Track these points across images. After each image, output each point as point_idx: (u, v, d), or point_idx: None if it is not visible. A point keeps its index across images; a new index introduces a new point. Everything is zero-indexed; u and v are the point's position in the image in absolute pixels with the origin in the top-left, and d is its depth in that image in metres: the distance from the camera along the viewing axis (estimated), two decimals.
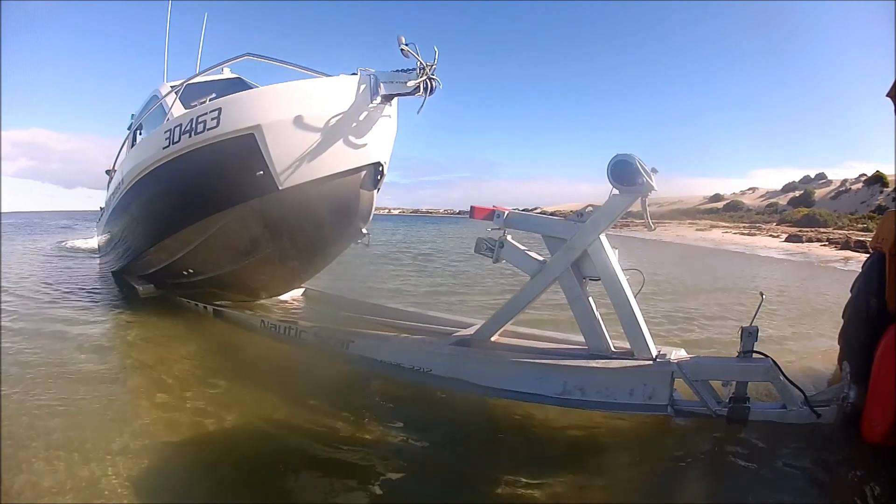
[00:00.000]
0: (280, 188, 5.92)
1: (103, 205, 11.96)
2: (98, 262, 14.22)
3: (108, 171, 11.17)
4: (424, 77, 5.23)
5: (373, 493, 3.37)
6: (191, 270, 8.01)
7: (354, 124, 5.69)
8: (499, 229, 4.88)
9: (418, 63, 5.19)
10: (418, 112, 5.55)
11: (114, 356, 5.96)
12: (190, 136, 6.16)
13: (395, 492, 3.40)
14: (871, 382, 3.63)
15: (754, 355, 4.00)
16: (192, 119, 6.13)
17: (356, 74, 5.65)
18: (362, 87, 5.60)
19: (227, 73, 8.35)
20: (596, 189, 4.45)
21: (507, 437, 4.19)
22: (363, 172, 6.05)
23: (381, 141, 5.99)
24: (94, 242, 21.90)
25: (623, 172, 4.14)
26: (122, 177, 8.48)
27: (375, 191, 6.29)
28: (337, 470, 3.63)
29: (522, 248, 4.86)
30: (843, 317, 4.87)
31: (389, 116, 5.95)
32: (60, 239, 24.78)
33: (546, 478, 3.48)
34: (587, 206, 4.58)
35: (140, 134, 8.64)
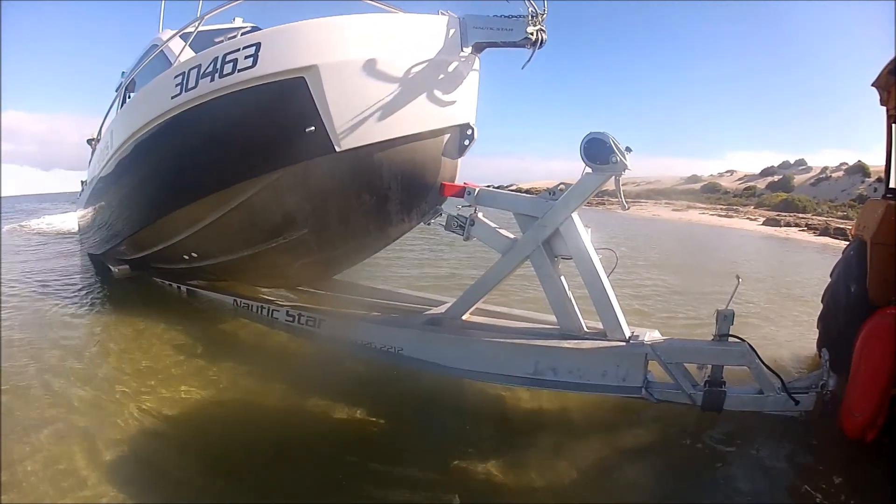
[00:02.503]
0: (337, 150, 4.54)
1: (86, 178, 10.13)
2: (78, 244, 12.65)
3: (89, 141, 9.61)
4: (539, 26, 4.23)
5: (338, 476, 3.28)
6: (194, 255, 6.60)
7: (441, 76, 4.54)
8: (469, 206, 4.65)
9: (530, 9, 4.19)
10: (523, 67, 4.48)
11: (85, 342, 5.69)
12: (212, 79, 4.67)
13: (362, 475, 3.31)
14: (852, 371, 3.44)
15: (730, 339, 3.79)
16: (216, 58, 4.67)
17: (444, 15, 4.53)
18: (451, 31, 4.45)
19: (238, 23, 6.80)
20: (572, 166, 4.21)
21: (478, 419, 4.10)
22: (447, 136, 4.85)
23: (469, 98, 4.84)
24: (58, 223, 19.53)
25: (596, 151, 3.96)
26: (110, 142, 6.84)
27: (460, 158, 5.12)
28: (305, 453, 3.54)
29: (493, 225, 4.64)
30: (822, 302, 4.77)
31: (477, 70, 4.82)
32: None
33: (515, 462, 3.43)
34: (559, 184, 4.34)
35: (132, 96, 6.91)
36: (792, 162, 50.28)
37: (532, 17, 4.19)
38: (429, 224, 5.23)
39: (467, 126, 4.89)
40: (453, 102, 4.68)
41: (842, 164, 43.70)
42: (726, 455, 3.69)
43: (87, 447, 3.50)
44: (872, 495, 3.20)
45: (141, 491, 3.15)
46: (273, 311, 5.78)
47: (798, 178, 45.52)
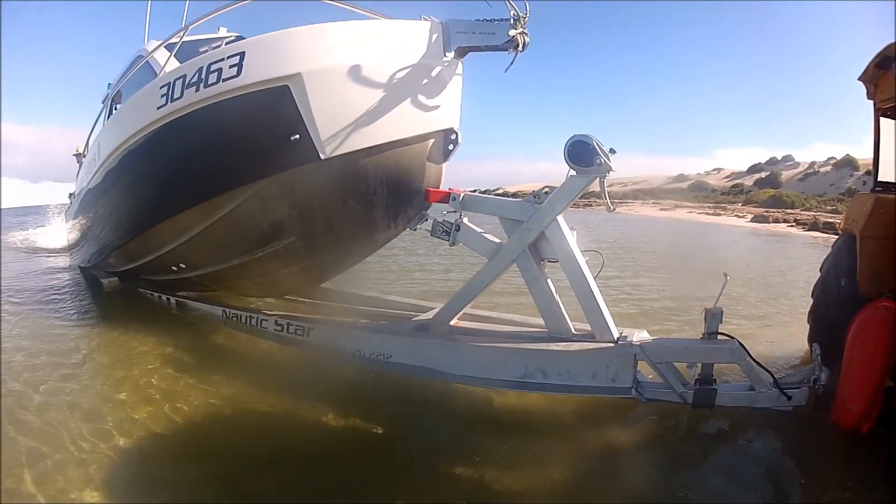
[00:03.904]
0: (323, 157, 4.47)
1: (74, 191, 9.98)
2: (68, 257, 12.12)
3: (76, 154, 9.63)
4: (522, 29, 4.18)
5: (331, 480, 3.26)
6: (183, 265, 6.47)
7: (425, 81, 4.48)
8: (454, 212, 4.61)
9: (512, 12, 4.15)
10: (506, 70, 4.45)
11: (75, 355, 5.53)
12: (197, 89, 4.61)
13: (355, 479, 3.29)
14: (844, 364, 3.39)
15: (719, 336, 3.74)
16: (200, 68, 4.61)
17: (426, 20, 4.47)
18: (434, 36, 4.40)
19: (223, 33, 6.72)
20: (560, 167, 4.16)
21: (470, 422, 4.04)
22: (431, 140, 4.80)
23: (453, 103, 4.78)
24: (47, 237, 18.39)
25: (580, 153, 3.96)
26: (97, 153, 6.73)
27: (445, 163, 5.09)
28: (298, 458, 3.51)
29: (479, 230, 4.61)
30: (812, 296, 4.73)
31: (460, 75, 4.76)
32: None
33: (508, 462, 3.41)
34: (544, 188, 4.32)
35: (118, 107, 6.85)
36: (779, 158, 50.23)
37: (514, 20, 4.13)
38: (415, 229, 5.12)
39: (451, 131, 4.83)
40: (437, 107, 4.61)
41: (829, 159, 43.69)
42: (720, 452, 3.64)
43: (79, 458, 3.44)
44: (869, 487, 3.15)
45: (135, 501, 3.11)
46: (262, 320, 5.69)
47: (786, 174, 45.45)
